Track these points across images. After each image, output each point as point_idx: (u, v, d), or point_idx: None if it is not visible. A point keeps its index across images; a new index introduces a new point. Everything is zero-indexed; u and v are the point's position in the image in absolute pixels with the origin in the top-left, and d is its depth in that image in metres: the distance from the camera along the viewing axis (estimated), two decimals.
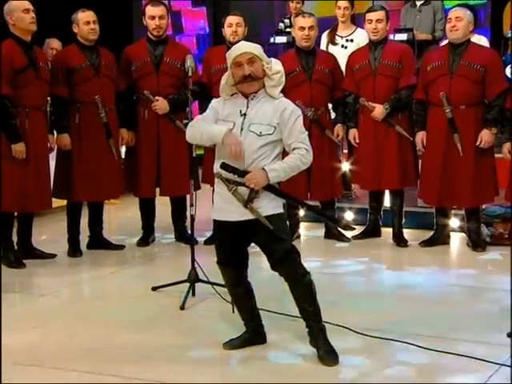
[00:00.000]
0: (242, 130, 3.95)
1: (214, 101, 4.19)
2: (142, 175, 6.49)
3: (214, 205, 4.16)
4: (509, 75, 6.79)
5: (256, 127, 3.94)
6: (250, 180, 3.91)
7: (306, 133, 4.06)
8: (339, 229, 6.64)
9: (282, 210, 4.05)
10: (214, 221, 4.20)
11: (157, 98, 6.36)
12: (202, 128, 4.06)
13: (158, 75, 6.43)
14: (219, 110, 4.07)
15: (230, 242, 4.10)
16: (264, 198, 3.95)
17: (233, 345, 4.23)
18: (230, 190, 3.96)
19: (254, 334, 4.26)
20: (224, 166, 3.94)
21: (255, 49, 4.03)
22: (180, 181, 6.19)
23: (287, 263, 3.98)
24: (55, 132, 6.24)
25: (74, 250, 6.35)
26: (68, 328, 4.66)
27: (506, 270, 5.76)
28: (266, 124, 3.95)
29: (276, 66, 4.06)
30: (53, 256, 6.22)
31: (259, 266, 4.64)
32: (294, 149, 3.96)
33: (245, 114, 3.98)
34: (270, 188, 3.95)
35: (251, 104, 4.00)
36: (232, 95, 4.06)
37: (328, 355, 3.98)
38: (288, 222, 6.73)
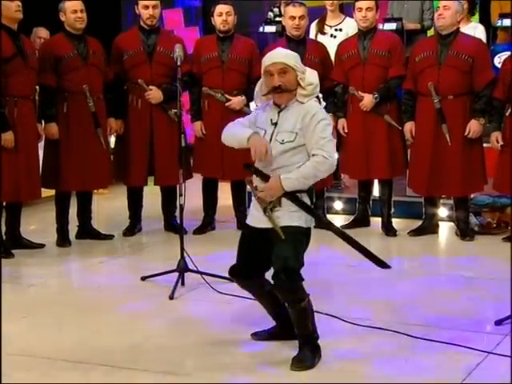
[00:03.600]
0: (271, 139, 3.84)
1: (254, 109, 4.11)
2: (133, 164, 6.48)
3: (250, 211, 4.06)
4: (497, 65, 6.81)
5: (280, 135, 3.82)
6: (265, 191, 3.81)
7: (331, 139, 3.83)
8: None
9: (303, 224, 3.85)
10: (246, 225, 4.09)
11: (150, 87, 6.36)
12: (232, 131, 3.97)
13: (151, 64, 6.42)
14: (258, 118, 3.96)
15: (248, 248, 4.00)
16: (285, 208, 3.82)
17: (259, 336, 4.16)
18: (254, 196, 3.87)
19: (281, 329, 4.11)
20: (248, 166, 3.87)
21: (288, 59, 3.85)
22: (173, 170, 6.16)
23: (284, 282, 3.78)
24: (43, 121, 6.22)
25: (63, 240, 6.35)
26: (57, 318, 4.66)
27: (493, 259, 5.83)
28: (289, 131, 3.81)
29: (310, 77, 3.88)
30: (41, 246, 6.23)
31: None
32: (313, 155, 3.77)
33: (276, 124, 3.86)
34: (292, 198, 3.81)
35: (282, 113, 3.87)
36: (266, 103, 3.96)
37: (298, 362, 3.85)
38: None
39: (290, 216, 3.84)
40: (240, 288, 4.16)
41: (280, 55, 3.90)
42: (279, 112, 3.88)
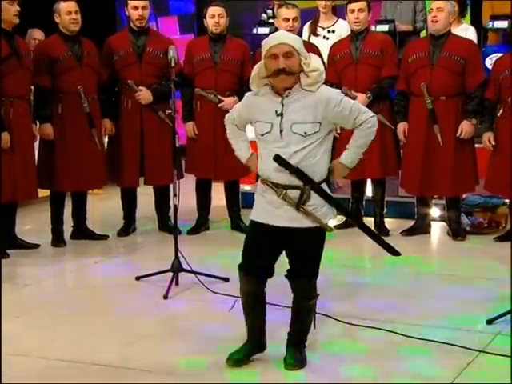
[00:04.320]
0: (281, 131, 3.66)
1: (246, 97, 3.86)
2: (125, 165, 6.50)
3: (257, 206, 3.83)
4: (488, 66, 6.85)
5: (299, 128, 3.65)
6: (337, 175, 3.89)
7: (356, 101, 3.91)
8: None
9: (331, 220, 3.82)
10: (254, 223, 3.84)
11: (140, 87, 6.39)
12: (235, 142, 4.05)
13: (141, 65, 6.45)
14: (252, 110, 3.78)
15: (265, 247, 3.82)
16: (315, 202, 3.71)
17: (236, 360, 3.92)
18: (279, 195, 3.69)
19: (256, 346, 3.97)
20: (277, 158, 3.65)
21: (294, 41, 3.70)
22: (163, 170, 6.23)
23: (304, 281, 3.83)
24: (38, 122, 6.24)
25: (58, 240, 6.37)
26: (52, 317, 4.69)
27: (485, 259, 5.88)
28: (310, 122, 3.65)
29: (315, 62, 3.73)
30: (36, 246, 6.24)
31: None
32: (360, 124, 3.76)
33: (281, 114, 3.67)
34: (321, 192, 3.73)
35: (286, 102, 3.68)
36: (263, 88, 3.74)
37: (294, 361, 3.87)
38: None
39: (322, 214, 3.74)
40: (243, 288, 3.92)
41: (286, 37, 3.74)
42: (282, 101, 3.69)
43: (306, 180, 3.69)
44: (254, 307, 3.94)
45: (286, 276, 3.88)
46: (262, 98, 3.76)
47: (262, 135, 3.74)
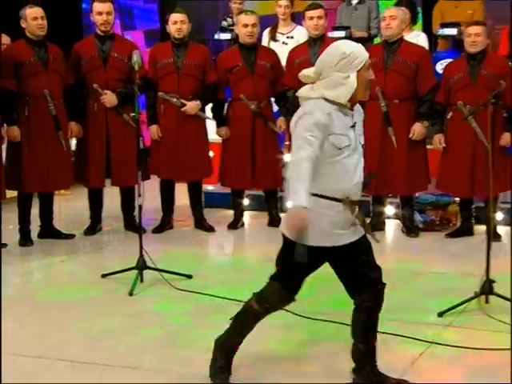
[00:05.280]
0: (355, 143, 3.51)
1: (320, 117, 3.40)
2: (91, 166, 6.61)
3: (322, 231, 3.49)
4: (439, 71, 7.10)
5: (362, 138, 3.58)
6: None
7: None
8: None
9: None
10: (313, 247, 3.46)
11: (105, 91, 6.51)
12: (306, 184, 3.32)
13: (106, 69, 6.56)
14: (330, 125, 3.40)
15: (315, 267, 3.65)
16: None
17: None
18: (354, 212, 3.53)
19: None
20: (371, 176, 3.69)
21: None
22: (129, 171, 6.29)
23: (383, 291, 3.72)
24: (5, 124, 6.33)
25: (25, 240, 6.46)
26: (18, 315, 4.75)
27: (436, 254, 6.08)
28: (362, 133, 3.62)
29: None
30: (4, 246, 6.29)
31: None
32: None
33: (353, 126, 3.50)
34: None
35: (352, 114, 3.53)
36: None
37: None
38: (233, 211, 7.00)
39: None
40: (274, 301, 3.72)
41: None
42: (352, 113, 3.54)
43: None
44: (250, 326, 3.74)
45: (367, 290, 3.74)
46: (336, 111, 3.47)
47: (341, 149, 3.44)
